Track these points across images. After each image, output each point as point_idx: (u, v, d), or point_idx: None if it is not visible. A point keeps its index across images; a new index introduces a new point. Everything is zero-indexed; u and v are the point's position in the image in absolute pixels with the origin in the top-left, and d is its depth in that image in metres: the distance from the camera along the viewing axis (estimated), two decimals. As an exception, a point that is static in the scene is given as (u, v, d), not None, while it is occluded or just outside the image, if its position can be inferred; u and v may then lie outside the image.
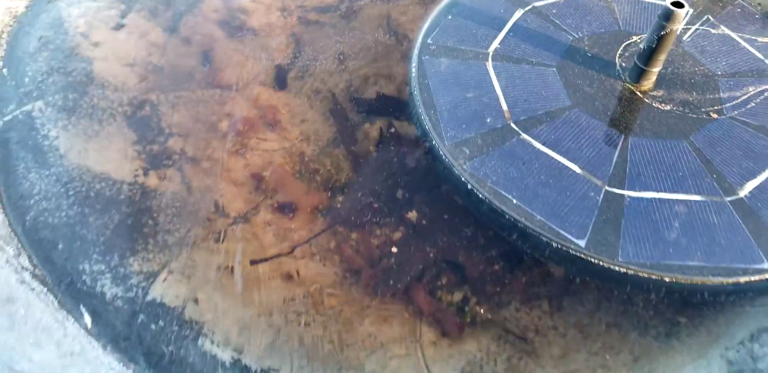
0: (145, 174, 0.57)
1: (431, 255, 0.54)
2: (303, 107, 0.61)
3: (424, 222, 0.56)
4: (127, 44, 0.64)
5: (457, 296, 0.52)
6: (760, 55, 0.58)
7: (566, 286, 0.53)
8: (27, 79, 0.58)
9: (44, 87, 0.58)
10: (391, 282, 0.55)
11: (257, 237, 0.58)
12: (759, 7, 0.62)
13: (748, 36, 0.60)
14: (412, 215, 0.57)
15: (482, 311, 0.54)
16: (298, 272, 0.56)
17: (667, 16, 0.43)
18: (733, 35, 0.59)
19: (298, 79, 0.62)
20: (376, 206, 0.57)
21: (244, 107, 0.61)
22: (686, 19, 0.62)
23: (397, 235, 0.57)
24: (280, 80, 0.63)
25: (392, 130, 0.60)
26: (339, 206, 0.57)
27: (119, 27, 0.65)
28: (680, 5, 0.43)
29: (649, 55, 0.47)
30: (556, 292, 0.53)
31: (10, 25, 0.63)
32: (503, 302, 0.54)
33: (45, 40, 0.63)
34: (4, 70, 0.58)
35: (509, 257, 0.55)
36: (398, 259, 0.56)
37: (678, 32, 0.47)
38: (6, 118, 0.51)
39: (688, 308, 0.46)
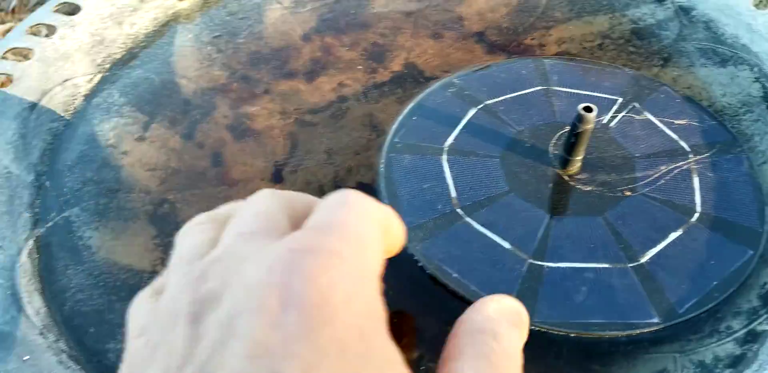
0: (163, 264, 0.67)
1: (395, 320, 0.62)
2: (296, 198, 0.71)
3: (389, 292, 0.64)
4: (150, 151, 0.75)
5: (414, 355, 0.59)
6: (675, 137, 0.68)
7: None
8: (66, 189, 0.69)
9: (80, 195, 0.69)
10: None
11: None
12: (681, 92, 0.70)
13: (667, 119, 0.68)
14: (380, 285, 0.65)
15: (434, 366, 0.61)
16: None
17: (580, 119, 0.51)
18: (654, 120, 0.68)
19: (292, 173, 0.72)
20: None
21: (246, 201, 0.71)
22: (614, 108, 0.71)
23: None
24: (277, 175, 0.74)
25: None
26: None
27: (144, 136, 0.76)
28: (590, 110, 0.52)
29: (570, 148, 0.55)
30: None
31: (52, 143, 0.75)
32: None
33: (81, 154, 0.75)
34: (47, 183, 0.70)
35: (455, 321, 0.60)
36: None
37: (591, 130, 0.55)
38: (48, 225, 0.62)
39: (594, 357, 0.52)
